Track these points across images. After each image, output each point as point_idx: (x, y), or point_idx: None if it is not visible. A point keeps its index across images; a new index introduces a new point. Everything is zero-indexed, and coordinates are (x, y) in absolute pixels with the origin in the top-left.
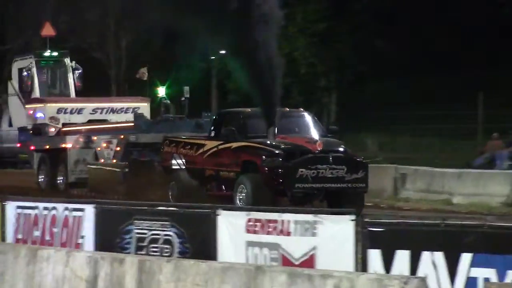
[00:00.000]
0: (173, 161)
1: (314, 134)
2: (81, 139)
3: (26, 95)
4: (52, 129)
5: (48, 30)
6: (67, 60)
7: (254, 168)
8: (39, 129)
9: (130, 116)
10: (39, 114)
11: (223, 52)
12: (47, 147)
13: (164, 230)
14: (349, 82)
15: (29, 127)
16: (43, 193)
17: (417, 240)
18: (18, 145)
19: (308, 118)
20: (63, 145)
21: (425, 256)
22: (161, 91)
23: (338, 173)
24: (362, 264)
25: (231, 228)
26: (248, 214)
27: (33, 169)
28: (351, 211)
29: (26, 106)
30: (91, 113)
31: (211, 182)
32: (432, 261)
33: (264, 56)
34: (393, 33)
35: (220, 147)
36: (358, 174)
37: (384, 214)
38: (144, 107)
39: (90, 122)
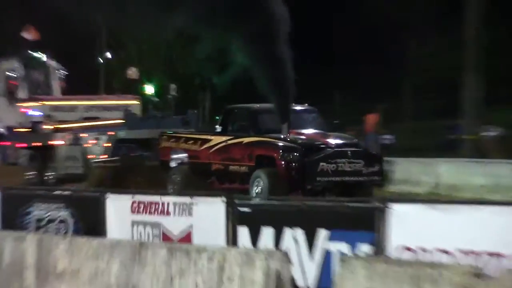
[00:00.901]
0: (173, 156)
1: (322, 128)
2: (69, 136)
3: (11, 95)
4: (48, 127)
5: (33, 34)
6: (50, 62)
7: (269, 162)
8: (34, 127)
9: (121, 114)
10: (34, 112)
11: (109, 55)
12: (37, 144)
13: (59, 212)
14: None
15: (20, 125)
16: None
17: (280, 218)
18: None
19: (314, 113)
20: (53, 142)
21: (287, 232)
22: (149, 89)
23: (356, 167)
24: (232, 240)
25: (118, 209)
26: (133, 197)
27: (22, 166)
28: (222, 194)
29: (18, 104)
30: (85, 111)
31: (217, 176)
32: (293, 237)
33: (279, 54)
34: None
35: (230, 142)
36: (374, 168)
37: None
38: (135, 105)
39: (85, 119)
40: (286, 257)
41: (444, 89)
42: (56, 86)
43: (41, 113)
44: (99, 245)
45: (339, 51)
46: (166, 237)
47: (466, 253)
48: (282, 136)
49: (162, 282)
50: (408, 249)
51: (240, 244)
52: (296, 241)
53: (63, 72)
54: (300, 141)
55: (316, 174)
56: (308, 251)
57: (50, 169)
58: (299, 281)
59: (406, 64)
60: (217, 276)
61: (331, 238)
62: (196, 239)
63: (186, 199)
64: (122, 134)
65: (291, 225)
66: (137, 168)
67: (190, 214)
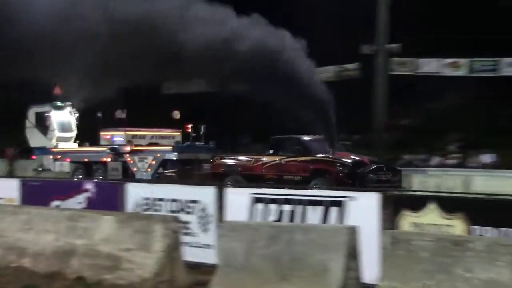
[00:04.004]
0: (225, 169)
1: (350, 152)
2: (111, 155)
3: (44, 129)
4: (128, 148)
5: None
6: (70, 107)
7: (322, 174)
8: (116, 149)
9: (171, 141)
10: (117, 138)
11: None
12: (86, 160)
13: None
14: None
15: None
16: None
17: None
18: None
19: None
20: (104, 159)
21: None
22: (190, 127)
23: (387, 177)
24: None
25: None
26: None
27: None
28: None
29: (102, 133)
30: (150, 139)
31: (269, 182)
32: None
33: (327, 99)
34: None
35: (284, 160)
36: (397, 177)
37: None
38: (178, 136)
39: (149, 144)
40: None
41: None
42: (73, 121)
43: (122, 139)
44: None
45: None
46: None
47: None
48: (331, 156)
49: None
50: None
51: None
52: None
53: (77, 115)
54: (347, 160)
55: (366, 182)
56: None
57: (96, 176)
58: None
59: None
60: None
61: None
62: None
63: None
64: (169, 155)
65: None
66: (189, 176)
67: None
